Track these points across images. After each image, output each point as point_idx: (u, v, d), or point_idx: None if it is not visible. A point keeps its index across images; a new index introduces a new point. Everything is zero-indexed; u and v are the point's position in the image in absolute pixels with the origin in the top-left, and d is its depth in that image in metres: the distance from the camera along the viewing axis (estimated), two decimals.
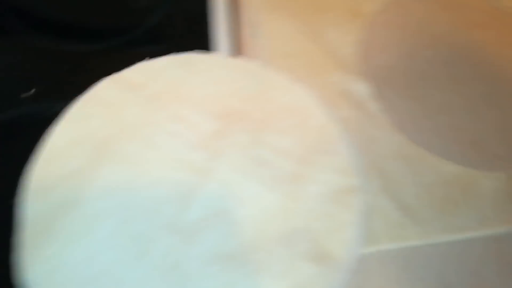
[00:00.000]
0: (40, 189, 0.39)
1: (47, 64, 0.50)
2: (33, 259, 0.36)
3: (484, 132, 0.47)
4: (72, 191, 0.39)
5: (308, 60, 0.50)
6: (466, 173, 0.44)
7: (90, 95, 0.44)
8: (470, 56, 0.53)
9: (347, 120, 0.45)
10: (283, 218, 0.39)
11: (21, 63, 0.50)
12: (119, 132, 0.42)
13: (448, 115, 0.48)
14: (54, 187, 0.39)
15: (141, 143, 0.42)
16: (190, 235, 0.38)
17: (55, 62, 0.50)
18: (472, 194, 0.43)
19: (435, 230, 0.41)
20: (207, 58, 0.47)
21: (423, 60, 0.52)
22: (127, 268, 0.36)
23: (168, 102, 0.44)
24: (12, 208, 0.38)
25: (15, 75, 0.50)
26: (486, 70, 0.52)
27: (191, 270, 0.36)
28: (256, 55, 0.49)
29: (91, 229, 0.37)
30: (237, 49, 0.51)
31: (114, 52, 0.51)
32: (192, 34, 0.53)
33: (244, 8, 0.55)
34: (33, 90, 0.47)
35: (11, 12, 0.55)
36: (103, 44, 0.52)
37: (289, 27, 0.53)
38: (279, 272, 0.36)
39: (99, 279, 0.36)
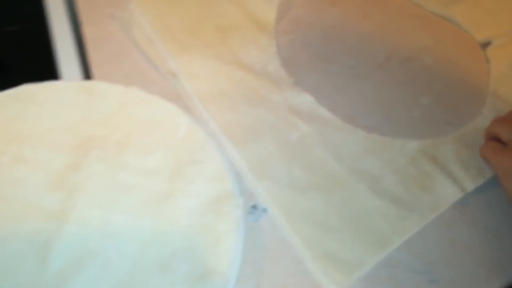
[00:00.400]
0: None
1: None
2: None
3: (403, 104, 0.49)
4: None
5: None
6: (425, 145, 0.45)
7: None
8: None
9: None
10: (159, 244, 0.36)
11: None
12: None
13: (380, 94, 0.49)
14: None
15: None
16: None
17: None
18: (439, 161, 0.44)
19: (427, 208, 0.41)
20: (46, 87, 0.42)
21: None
22: None
23: (5, 144, 0.39)
24: None
25: None
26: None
27: None
28: (107, 77, 0.46)
29: None
30: (86, 74, 0.47)
31: None
32: (34, 64, 0.48)
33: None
34: None
35: None
36: None
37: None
38: None
39: None
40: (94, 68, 0.46)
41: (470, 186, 0.43)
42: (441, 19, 0.58)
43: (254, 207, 0.40)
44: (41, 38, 0.50)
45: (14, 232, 0.35)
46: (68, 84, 0.43)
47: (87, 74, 0.46)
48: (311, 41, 0.53)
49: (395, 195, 0.41)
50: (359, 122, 0.46)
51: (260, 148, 0.42)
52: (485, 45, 0.55)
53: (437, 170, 0.43)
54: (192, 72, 0.47)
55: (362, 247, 0.38)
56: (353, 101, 0.48)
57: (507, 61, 0.53)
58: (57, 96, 0.42)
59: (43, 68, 0.48)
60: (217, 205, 0.37)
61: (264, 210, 0.39)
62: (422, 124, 0.47)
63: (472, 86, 0.52)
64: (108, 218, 0.37)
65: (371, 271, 0.38)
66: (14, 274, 0.34)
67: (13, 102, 0.40)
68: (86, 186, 0.38)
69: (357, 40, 0.54)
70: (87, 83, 0.43)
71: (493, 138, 0.42)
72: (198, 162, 0.40)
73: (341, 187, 0.41)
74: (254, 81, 0.47)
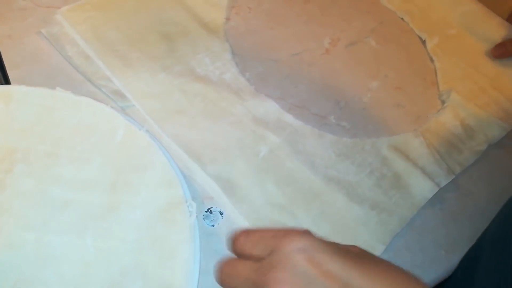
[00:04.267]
0: None
1: None
2: None
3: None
4: None
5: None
6: (394, 142, 0.45)
7: None
8: None
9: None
10: (105, 263, 0.34)
11: None
12: None
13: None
14: None
15: None
16: None
17: None
18: (410, 158, 0.45)
19: (406, 208, 0.42)
20: None
21: None
22: None
23: None
24: None
25: None
26: None
27: None
28: (26, 80, 0.42)
29: None
30: (2, 78, 0.43)
31: None
32: None
33: None
34: None
35: None
36: None
37: None
38: None
39: None
40: (11, 71, 0.42)
41: (443, 181, 0.44)
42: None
43: (209, 211, 0.38)
44: None
45: None
46: None
47: (4, 77, 0.42)
48: (253, 28, 0.52)
49: (373, 200, 0.41)
50: (311, 111, 0.46)
51: (229, 168, 0.40)
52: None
53: (410, 167, 0.44)
54: (141, 91, 0.43)
55: None
56: (302, 90, 0.48)
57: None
58: None
59: None
60: (168, 214, 0.35)
61: (221, 212, 0.38)
62: (374, 109, 0.48)
63: (416, 66, 0.54)
64: (43, 239, 0.34)
65: None
66: None
67: None
68: (12, 206, 0.34)
69: (301, 25, 0.54)
70: (4, 87, 0.39)
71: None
72: (142, 168, 0.37)
73: (319, 200, 0.40)
74: (213, 93, 0.45)
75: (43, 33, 0.45)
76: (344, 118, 0.46)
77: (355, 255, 0.24)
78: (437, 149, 0.46)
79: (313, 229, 0.38)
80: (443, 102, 0.50)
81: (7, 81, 0.42)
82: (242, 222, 0.38)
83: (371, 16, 0.57)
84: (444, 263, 0.41)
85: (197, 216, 0.35)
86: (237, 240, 0.26)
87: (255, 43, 0.50)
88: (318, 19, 0.54)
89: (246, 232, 0.25)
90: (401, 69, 0.53)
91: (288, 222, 0.39)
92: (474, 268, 0.38)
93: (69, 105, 0.39)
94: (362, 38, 0.54)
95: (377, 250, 0.39)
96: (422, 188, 0.43)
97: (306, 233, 0.24)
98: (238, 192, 0.39)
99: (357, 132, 0.46)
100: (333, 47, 0.52)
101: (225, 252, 0.37)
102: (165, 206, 0.36)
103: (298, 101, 0.47)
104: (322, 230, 0.39)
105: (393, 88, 0.51)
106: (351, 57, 0.52)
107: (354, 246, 0.25)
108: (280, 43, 0.51)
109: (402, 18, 0.58)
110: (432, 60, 0.54)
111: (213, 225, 0.38)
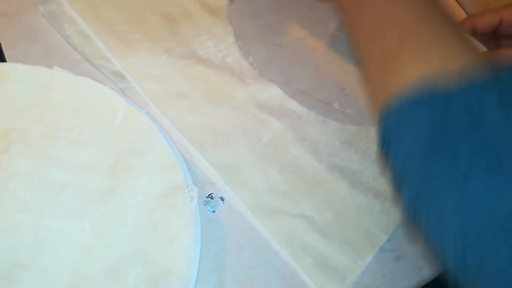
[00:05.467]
0: None
1: None
2: None
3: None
4: None
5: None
6: None
7: None
8: None
9: None
10: (104, 248, 0.33)
11: None
12: None
13: None
14: None
15: None
16: None
17: None
18: None
19: None
20: None
21: None
22: None
23: None
24: None
25: None
26: None
27: None
28: (23, 59, 0.40)
29: None
30: None
31: None
32: None
33: None
34: None
35: None
36: None
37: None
38: None
39: None
40: (6, 49, 0.41)
41: None
42: None
43: (210, 196, 0.38)
44: None
45: None
46: None
47: (0, 56, 0.41)
48: (257, 11, 0.51)
49: (377, 189, 0.41)
50: (316, 97, 0.45)
51: (231, 154, 0.40)
52: None
53: None
54: (142, 72, 0.42)
55: (351, 249, 0.38)
56: (307, 75, 0.47)
57: None
58: None
59: None
60: (169, 199, 0.35)
61: (222, 198, 0.38)
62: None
63: None
64: (40, 222, 0.33)
65: None
66: None
67: None
68: (8, 188, 0.34)
69: (305, 9, 0.53)
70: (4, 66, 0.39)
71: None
72: (142, 152, 0.37)
73: (322, 187, 0.40)
74: (215, 76, 0.44)
75: (40, 11, 0.44)
76: (349, 105, 0.46)
77: None
78: None
79: (316, 217, 0.39)
80: None
81: (3, 60, 0.41)
82: (243, 208, 0.38)
83: None
84: None
85: (198, 201, 0.35)
86: None
87: (259, 27, 0.49)
88: (323, 4, 0.53)
89: None
90: None
91: (290, 209, 0.38)
92: None
93: (67, 85, 0.38)
94: None
95: (380, 239, 0.39)
96: None
97: None
98: (240, 178, 0.39)
99: (362, 120, 0.45)
100: (338, 32, 0.51)
101: (226, 237, 0.37)
102: (166, 190, 0.35)
103: (302, 86, 0.46)
104: (325, 218, 0.38)
105: None
106: None
107: None
108: (284, 27, 0.50)
109: None
110: None
111: (214, 211, 0.37)
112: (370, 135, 0.44)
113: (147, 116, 0.38)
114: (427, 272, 0.39)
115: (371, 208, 0.40)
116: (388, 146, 0.26)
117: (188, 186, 0.35)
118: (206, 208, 0.37)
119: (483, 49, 0.43)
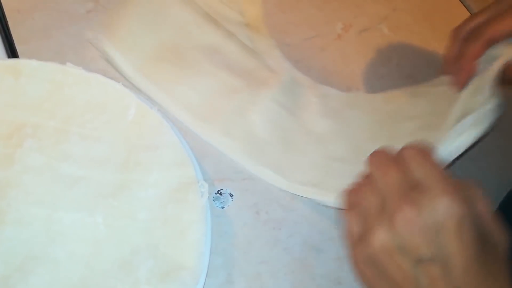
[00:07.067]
0: None
1: None
2: None
3: None
4: None
5: None
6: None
7: None
8: None
9: None
10: (116, 241, 0.34)
11: None
12: None
13: None
14: None
15: None
16: None
17: None
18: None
19: None
20: None
21: None
22: None
23: None
24: None
25: None
26: None
27: None
28: (36, 55, 0.41)
29: None
30: (11, 52, 0.42)
31: None
32: None
33: None
34: None
35: None
36: None
37: None
38: None
39: None
40: (19, 46, 0.42)
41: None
42: None
43: (219, 192, 0.38)
44: None
45: None
46: None
47: (12, 51, 0.41)
48: (265, 11, 0.52)
49: None
50: None
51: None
52: None
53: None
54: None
55: None
56: (314, 75, 0.48)
57: None
58: None
59: None
60: (180, 194, 0.36)
61: (231, 194, 0.38)
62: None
63: (428, 55, 0.54)
64: (53, 216, 0.34)
65: None
66: None
67: None
68: (21, 182, 0.34)
69: (313, 10, 0.53)
70: (13, 61, 0.39)
71: None
72: (154, 148, 0.38)
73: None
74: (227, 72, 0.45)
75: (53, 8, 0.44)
76: None
77: None
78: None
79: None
80: None
81: (15, 56, 0.41)
82: (252, 204, 0.38)
83: (384, 3, 0.57)
84: None
85: (207, 197, 0.36)
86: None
87: (267, 27, 0.50)
88: (331, 4, 0.54)
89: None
90: (413, 57, 0.53)
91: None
92: None
93: (79, 81, 0.39)
94: (375, 24, 0.54)
95: None
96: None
97: None
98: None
99: None
100: (346, 33, 0.52)
101: (234, 232, 0.38)
102: (177, 186, 0.36)
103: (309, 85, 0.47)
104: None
105: (405, 76, 0.51)
106: (363, 44, 0.52)
107: None
108: (292, 27, 0.51)
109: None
110: None
111: (223, 207, 0.38)
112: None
113: (159, 113, 0.39)
114: None
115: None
116: None
117: (199, 182, 0.36)
118: (215, 204, 0.38)
119: None
